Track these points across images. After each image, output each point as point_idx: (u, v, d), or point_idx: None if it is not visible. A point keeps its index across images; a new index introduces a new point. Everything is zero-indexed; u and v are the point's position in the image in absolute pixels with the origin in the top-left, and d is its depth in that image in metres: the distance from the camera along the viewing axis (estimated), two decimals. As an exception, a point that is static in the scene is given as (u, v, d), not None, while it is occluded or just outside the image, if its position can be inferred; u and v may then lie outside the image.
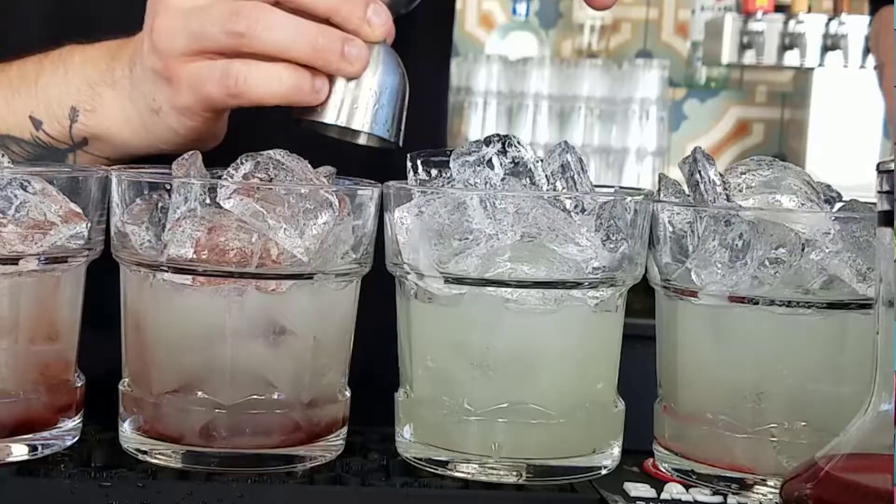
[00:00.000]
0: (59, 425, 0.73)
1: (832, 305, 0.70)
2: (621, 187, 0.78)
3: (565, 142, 0.75)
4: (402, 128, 0.85)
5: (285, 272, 0.69)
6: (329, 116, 0.82)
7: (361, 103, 0.82)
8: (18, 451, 0.70)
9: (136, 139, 0.86)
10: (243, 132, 0.87)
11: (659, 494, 0.70)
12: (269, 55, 0.80)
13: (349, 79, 0.82)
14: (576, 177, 0.73)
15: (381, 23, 0.82)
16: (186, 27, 0.80)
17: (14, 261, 0.69)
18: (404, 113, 0.85)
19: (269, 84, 0.80)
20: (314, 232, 0.68)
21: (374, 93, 0.82)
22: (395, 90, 0.83)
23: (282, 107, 0.82)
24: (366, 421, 0.78)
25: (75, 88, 0.87)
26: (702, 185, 0.74)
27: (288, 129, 0.84)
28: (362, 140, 0.84)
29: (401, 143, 0.84)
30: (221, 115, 0.85)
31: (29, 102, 0.89)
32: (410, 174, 0.75)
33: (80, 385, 0.75)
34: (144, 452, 0.71)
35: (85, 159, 0.89)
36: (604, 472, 0.73)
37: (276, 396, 0.71)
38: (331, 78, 0.82)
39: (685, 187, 0.76)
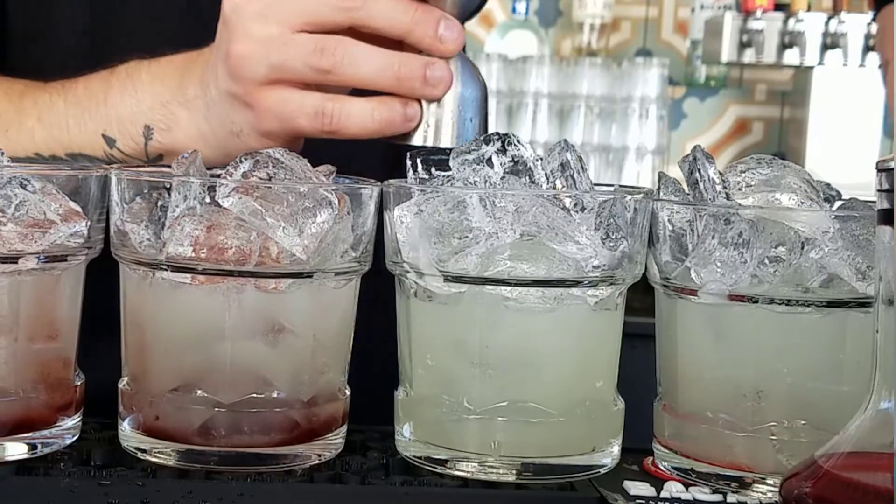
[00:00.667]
0: (58, 424, 0.73)
1: (832, 304, 0.70)
2: (621, 186, 0.77)
3: (565, 140, 0.75)
4: (488, 128, 0.86)
5: (284, 271, 0.69)
6: (417, 139, 0.84)
7: (446, 121, 0.84)
8: (18, 449, 0.70)
9: (213, 155, 0.86)
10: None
11: (658, 493, 0.70)
12: (353, 87, 0.82)
13: (449, 97, 0.83)
14: (575, 175, 0.73)
15: (453, 38, 0.83)
16: (267, 58, 0.81)
17: (14, 259, 0.69)
18: (488, 115, 0.87)
19: (362, 121, 0.82)
20: (313, 230, 0.68)
21: (458, 110, 0.84)
22: (477, 101, 0.85)
23: None
24: (365, 419, 0.78)
25: (147, 107, 0.88)
26: (701, 184, 0.74)
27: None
28: None
29: None
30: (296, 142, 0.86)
31: (100, 121, 0.90)
32: (410, 173, 0.75)
33: (79, 384, 0.75)
34: (144, 451, 0.71)
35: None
36: (603, 470, 0.73)
37: (275, 395, 0.71)
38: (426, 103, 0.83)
39: (685, 186, 0.76)
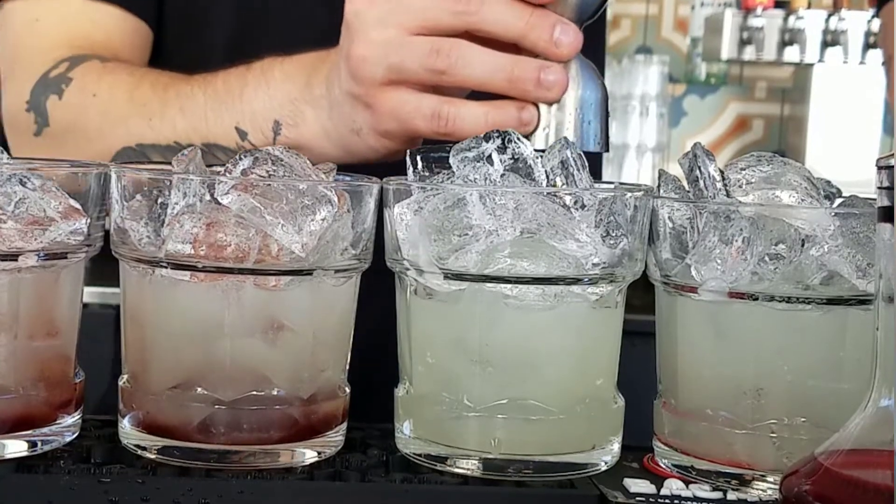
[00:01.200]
0: (58, 421, 0.73)
1: (832, 301, 0.70)
2: (621, 183, 0.77)
3: (565, 138, 0.75)
4: (609, 133, 0.87)
5: (284, 268, 0.69)
6: (538, 143, 0.84)
7: (567, 126, 0.84)
8: (18, 447, 0.70)
9: (335, 152, 0.89)
10: None
11: (659, 490, 0.70)
12: (467, 89, 0.84)
13: (567, 100, 0.84)
14: (575, 173, 0.73)
15: (569, 41, 0.83)
16: (385, 59, 0.83)
17: (13, 257, 0.69)
18: (609, 118, 0.87)
19: (475, 123, 0.83)
20: (312, 228, 0.68)
21: (578, 112, 0.84)
22: (597, 103, 0.85)
23: None
24: (365, 417, 0.78)
25: (278, 104, 0.92)
26: (701, 181, 0.74)
27: None
28: None
29: (608, 149, 0.87)
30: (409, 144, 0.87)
31: (234, 115, 0.94)
32: (410, 170, 0.75)
33: (79, 381, 0.75)
34: (144, 448, 0.71)
35: None
36: (603, 468, 0.73)
37: (275, 393, 0.71)
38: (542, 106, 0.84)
39: (685, 183, 0.76)
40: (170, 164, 0.74)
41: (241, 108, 0.94)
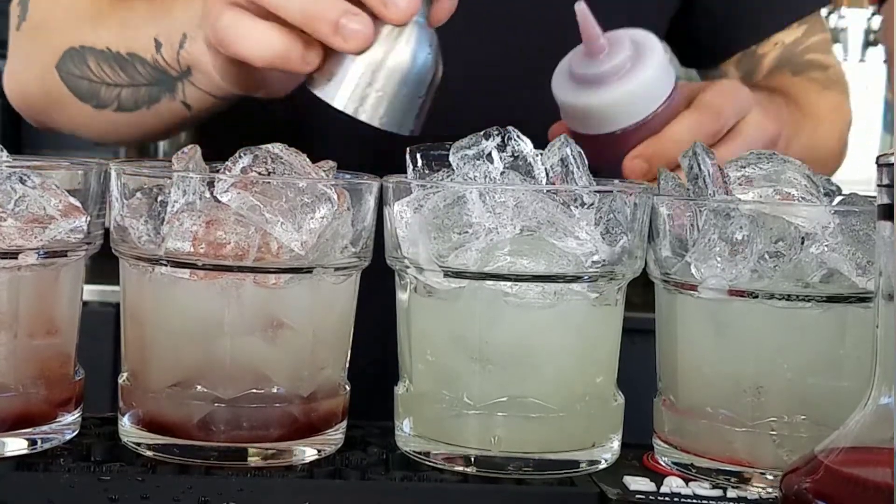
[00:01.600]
0: (58, 419, 0.73)
1: (832, 299, 0.70)
2: (621, 181, 0.77)
3: (565, 136, 0.74)
4: (422, 117, 0.81)
5: (283, 266, 0.69)
6: (338, 101, 0.79)
7: (348, 83, 0.79)
8: (18, 445, 0.70)
9: (217, 73, 0.88)
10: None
11: (658, 488, 0.70)
12: (263, 10, 0.79)
13: (364, 59, 0.78)
14: (575, 171, 0.73)
15: (401, 6, 0.77)
16: None
17: (13, 255, 0.69)
18: (427, 102, 0.81)
19: (254, 44, 0.79)
20: (312, 226, 0.68)
21: (371, 75, 0.78)
22: (402, 76, 0.79)
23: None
24: (365, 415, 0.78)
25: (191, 16, 0.90)
26: (701, 179, 0.74)
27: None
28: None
29: (417, 132, 0.81)
30: (239, 66, 0.84)
31: (160, 26, 0.93)
32: (409, 168, 0.75)
33: (79, 379, 0.75)
34: (144, 446, 0.71)
35: (192, 93, 0.92)
36: (603, 465, 0.73)
37: (275, 391, 0.71)
38: (341, 54, 0.79)
39: (685, 181, 0.76)
40: (169, 161, 0.74)
41: (167, 22, 0.93)
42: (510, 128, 0.73)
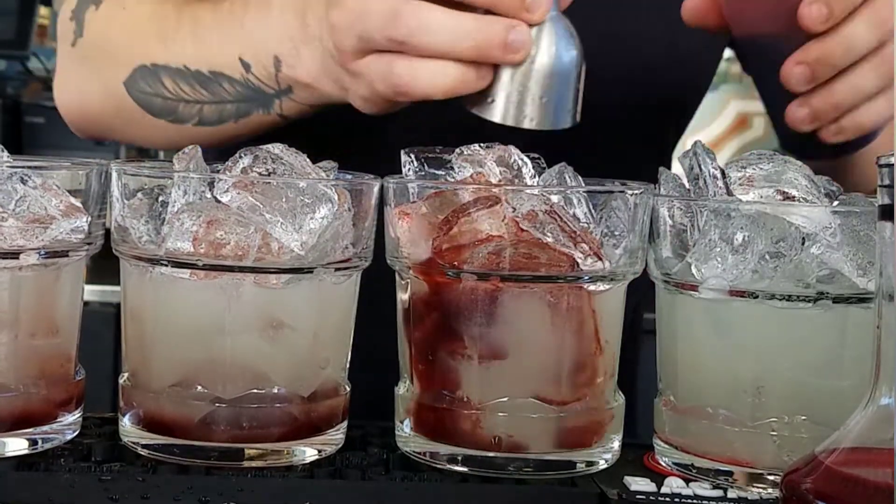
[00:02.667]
0: (59, 419, 0.73)
1: (832, 299, 0.69)
2: (622, 181, 0.77)
3: (564, 164, 0.74)
4: (579, 105, 0.81)
5: (284, 266, 0.69)
6: (497, 114, 0.80)
7: (529, 99, 0.80)
8: (18, 445, 0.70)
9: (335, 94, 0.88)
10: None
11: (659, 488, 0.70)
12: (432, 56, 0.80)
13: (516, 67, 0.79)
14: (569, 179, 0.73)
15: (541, 3, 0.79)
16: (354, 28, 0.81)
17: (14, 255, 0.69)
18: (580, 90, 0.81)
19: (432, 83, 0.80)
20: (312, 226, 0.68)
21: (543, 84, 0.79)
22: (566, 73, 0.80)
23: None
24: (366, 415, 0.78)
25: (277, 38, 0.89)
26: (702, 179, 0.74)
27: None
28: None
29: (578, 119, 0.82)
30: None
31: (239, 44, 0.92)
32: (406, 168, 0.75)
33: (79, 379, 0.75)
34: (144, 446, 0.71)
35: (290, 106, 0.92)
36: (604, 465, 0.73)
37: (275, 391, 0.71)
38: (496, 67, 0.80)
39: (685, 181, 0.76)
40: (170, 161, 0.74)
41: (243, 36, 0.92)
42: (511, 146, 0.73)
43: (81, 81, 1.05)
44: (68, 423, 0.73)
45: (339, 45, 0.83)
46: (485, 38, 0.79)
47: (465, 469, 0.71)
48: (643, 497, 0.69)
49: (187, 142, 0.97)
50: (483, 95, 0.81)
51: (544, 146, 0.77)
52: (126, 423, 0.73)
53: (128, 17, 1.00)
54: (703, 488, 0.71)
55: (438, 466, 0.72)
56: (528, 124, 0.80)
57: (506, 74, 0.80)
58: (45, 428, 0.72)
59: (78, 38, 1.04)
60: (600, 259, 0.69)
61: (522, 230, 0.68)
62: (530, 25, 0.79)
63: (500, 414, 0.70)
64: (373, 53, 0.82)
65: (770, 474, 0.70)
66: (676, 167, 0.81)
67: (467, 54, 0.79)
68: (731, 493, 0.70)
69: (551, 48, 0.80)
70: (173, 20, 0.97)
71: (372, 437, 0.77)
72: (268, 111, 0.93)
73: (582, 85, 0.82)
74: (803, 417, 0.70)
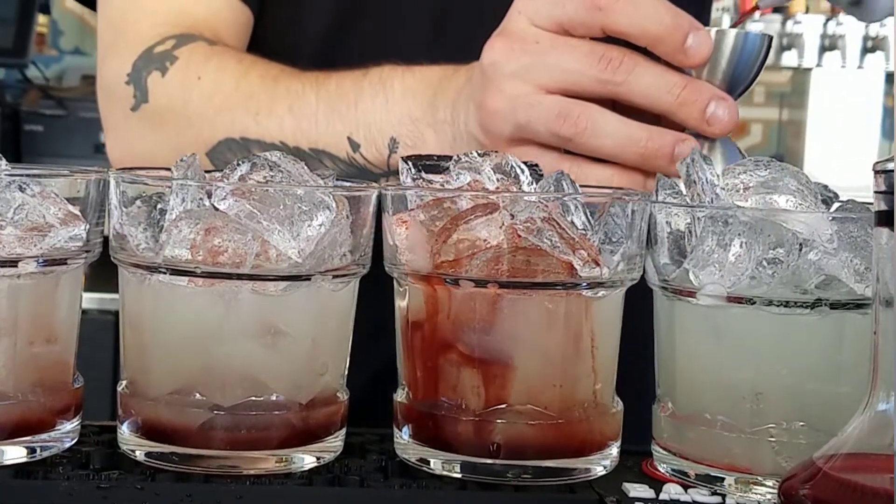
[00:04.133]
0: (57, 427, 0.72)
1: (830, 305, 0.70)
2: (619, 188, 0.77)
3: (561, 171, 0.74)
4: None
5: (282, 273, 0.69)
6: None
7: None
8: (17, 453, 0.70)
9: None
10: None
11: (658, 495, 0.70)
12: (594, 155, 0.79)
13: None
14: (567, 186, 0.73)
15: (723, 118, 0.79)
16: (514, 116, 0.80)
17: (13, 263, 0.69)
18: None
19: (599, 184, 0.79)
20: (309, 233, 0.68)
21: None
22: None
23: None
24: (364, 422, 0.78)
25: (396, 120, 0.88)
26: (699, 186, 0.74)
27: None
28: None
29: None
30: None
31: (347, 123, 0.90)
32: (403, 175, 0.75)
33: (78, 387, 0.75)
34: (143, 454, 0.71)
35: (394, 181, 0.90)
36: (602, 472, 0.73)
37: (273, 398, 0.71)
38: None
39: (683, 188, 0.76)
40: (168, 169, 0.74)
41: (355, 116, 0.89)
42: (508, 155, 0.73)
43: (149, 146, 1.01)
44: (67, 431, 0.73)
45: (492, 130, 0.81)
46: (653, 147, 0.78)
47: (463, 476, 0.71)
48: (642, 503, 0.69)
49: None
50: None
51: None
52: (125, 431, 0.73)
53: (207, 87, 0.97)
54: (701, 495, 0.71)
55: (437, 473, 0.72)
56: None
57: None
58: (44, 436, 0.72)
59: (142, 104, 1.00)
60: (598, 266, 0.70)
61: (520, 237, 0.68)
62: (704, 139, 0.79)
63: (499, 421, 0.70)
64: (530, 145, 0.81)
65: (768, 480, 0.70)
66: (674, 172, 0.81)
67: (632, 161, 0.79)
68: (730, 500, 0.70)
69: (724, 161, 0.80)
70: (265, 95, 0.94)
71: (370, 445, 0.77)
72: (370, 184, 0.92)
73: None
74: (801, 423, 0.70)
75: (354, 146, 0.89)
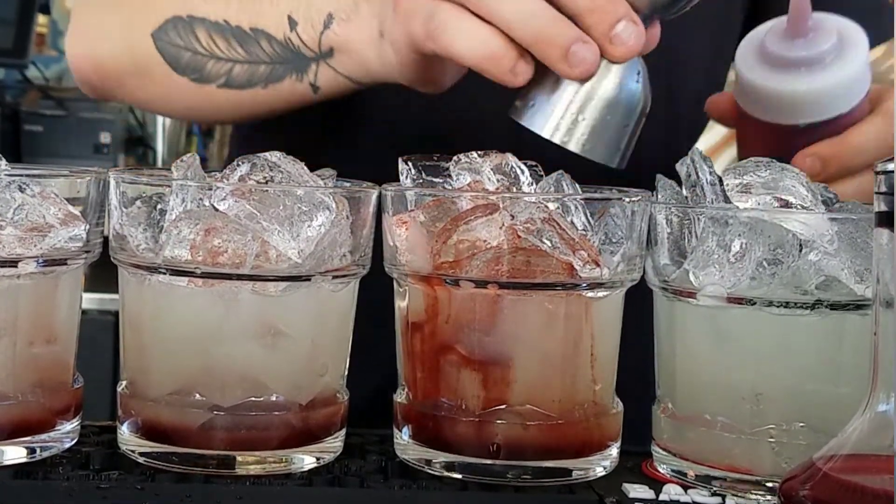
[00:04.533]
0: (57, 428, 0.72)
1: (830, 306, 0.70)
2: (619, 189, 0.77)
3: (561, 171, 0.74)
4: (629, 152, 0.78)
5: (281, 274, 0.69)
6: (546, 130, 0.77)
7: (581, 121, 0.76)
8: (17, 453, 0.70)
9: (372, 60, 0.85)
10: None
11: (657, 496, 0.70)
12: (489, 22, 0.76)
13: (573, 88, 0.76)
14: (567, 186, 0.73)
15: (628, 44, 0.75)
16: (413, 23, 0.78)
17: (13, 263, 0.69)
18: (635, 137, 0.78)
19: (468, 41, 0.76)
20: (309, 234, 0.68)
21: (599, 112, 0.76)
22: (626, 111, 0.77)
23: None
24: (364, 423, 0.78)
25: None
26: (699, 187, 0.74)
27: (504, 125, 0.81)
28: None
29: (624, 166, 0.79)
30: (431, 62, 0.81)
31: (292, 2, 0.89)
32: (403, 177, 0.75)
33: (78, 387, 0.75)
34: (142, 454, 0.71)
35: (325, 75, 0.89)
36: (602, 473, 0.73)
37: (273, 398, 0.71)
38: (556, 81, 0.77)
39: (683, 189, 0.76)
40: (168, 170, 0.74)
41: None
42: (510, 154, 0.73)
43: (100, 32, 1.02)
44: (67, 432, 0.73)
45: (399, 27, 0.80)
46: (550, 33, 0.75)
47: (463, 477, 0.71)
48: (641, 504, 0.69)
49: (205, 105, 0.93)
50: (524, 100, 0.78)
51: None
52: (124, 431, 0.73)
53: None
54: (701, 495, 0.71)
55: (437, 474, 0.72)
56: (574, 147, 0.77)
57: (569, 88, 0.76)
58: (44, 436, 0.72)
59: None
60: (598, 266, 0.70)
61: (520, 238, 0.68)
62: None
63: (499, 421, 0.70)
64: None
65: (768, 481, 0.70)
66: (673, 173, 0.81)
67: (521, 37, 0.75)
68: (730, 501, 0.70)
69: (615, 80, 0.76)
70: None
71: (370, 445, 0.77)
72: (301, 77, 0.90)
73: (637, 132, 0.79)
74: (801, 424, 0.70)
75: (292, 24, 0.89)
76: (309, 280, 0.70)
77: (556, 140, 0.77)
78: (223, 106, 0.95)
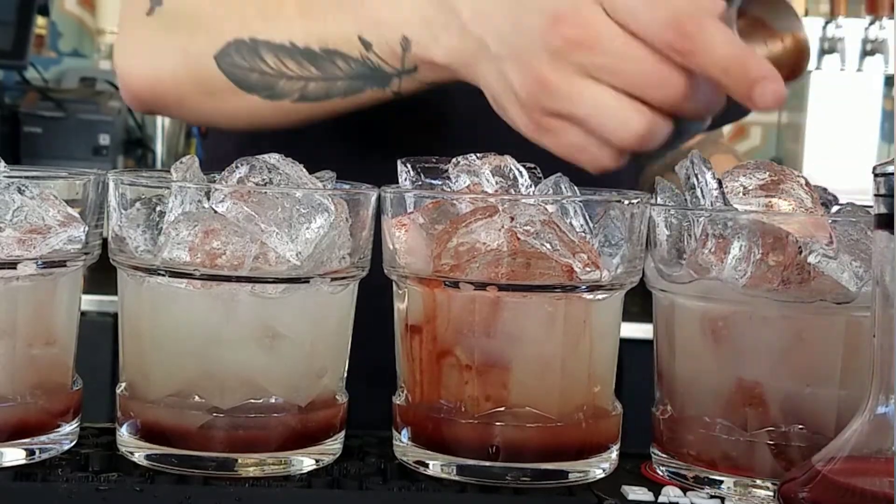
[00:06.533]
0: (56, 429, 0.72)
1: (829, 308, 0.70)
2: (618, 191, 0.77)
3: (560, 174, 0.74)
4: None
5: (280, 276, 0.69)
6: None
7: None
8: (16, 455, 0.70)
9: (462, 71, 0.84)
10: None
11: (656, 498, 0.70)
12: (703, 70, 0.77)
13: None
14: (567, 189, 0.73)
15: (770, 99, 0.76)
16: (571, 103, 0.78)
17: (12, 265, 0.69)
18: None
19: (622, 125, 0.78)
20: (308, 236, 0.68)
21: None
22: None
23: None
24: (364, 424, 0.78)
25: (405, 17, 0.85)
26: (698, 189, 0.74)
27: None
28: None
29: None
30: None
31: (357, 22, 0.88)
32: (402, 178, 0.75)
33: (77, 389, 0.75)
34: (142, 456, 0.71)
35: (409, 84, 0.88)
36: (601, 475, 0.73)
37: (272, 400, 0.71)
38: None
39: (682, 191, 0.76)
40: (167, 171, 0.74)
41: (363, 14, 0.88)
42: (508, 156, 0.74)
43: (156, 51, 1.00)
44: (66, 434, 0.73)
45: (543, 98, 0.79)
46: (747, 68, 0.76)
47: (462, 479, 0.71)
48: (640, 506, 0.69)
49: (279, 116, 0.92)
50: None
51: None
52: (123, 433, 0.73)
53: None
54: (700, 497, 0.71)
55: (436, 476, 0.72)
56: None
57: None
58: (43, 438, 0.72)
59: (156, 7, 0.99)
60: (598, 268, 0.70)
61: (520, 240, 0.68)
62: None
63: (498, 423, 0.70)
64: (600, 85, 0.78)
65: (768, 483, 0.70)
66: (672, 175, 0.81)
67: (717, 75, 0.76)
68: (729, 503, 0.70)
69: None
70: None
71: (370, 447, 0.77)
72: (383, 89, 0.89)
73: None
74: (800, 426, 0.70)
75: (366, 45, 0.87)
76: (308, 282, 0.70)
77: None
78: (299, 114, 0.94)
